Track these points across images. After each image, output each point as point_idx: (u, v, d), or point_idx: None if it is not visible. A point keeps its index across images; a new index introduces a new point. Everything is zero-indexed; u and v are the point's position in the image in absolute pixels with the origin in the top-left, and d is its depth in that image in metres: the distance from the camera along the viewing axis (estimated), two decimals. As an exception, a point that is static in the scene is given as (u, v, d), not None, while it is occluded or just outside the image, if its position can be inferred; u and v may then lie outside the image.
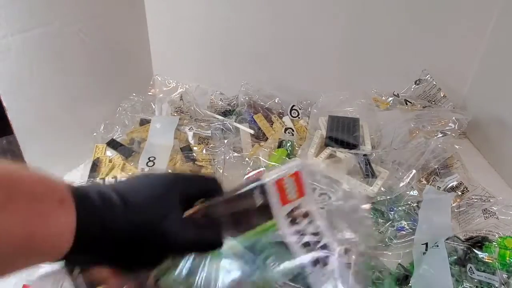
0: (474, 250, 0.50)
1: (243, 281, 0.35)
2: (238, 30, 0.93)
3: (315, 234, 0.35)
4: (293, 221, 0.35)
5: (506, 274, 0.48)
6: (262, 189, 0.32)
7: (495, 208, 0.58)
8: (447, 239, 0.51)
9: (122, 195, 0.30)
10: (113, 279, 0.31)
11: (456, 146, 0.70)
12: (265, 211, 0.33)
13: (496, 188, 0.64)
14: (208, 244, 0.32)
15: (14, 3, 0.56)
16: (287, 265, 0.35)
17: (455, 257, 0.50)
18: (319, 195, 0.39)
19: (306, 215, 0.35)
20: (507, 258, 0.49)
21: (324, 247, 0.34)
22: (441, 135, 0.73)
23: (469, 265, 0.49)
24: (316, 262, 0.34)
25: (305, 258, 0.34)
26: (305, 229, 0.35)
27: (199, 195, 0.33)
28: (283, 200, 0.33)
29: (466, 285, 0.47)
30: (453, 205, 0.61)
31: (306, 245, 0.34)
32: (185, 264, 0.35)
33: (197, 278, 0.35)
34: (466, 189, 0.64)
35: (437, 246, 0.50)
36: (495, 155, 0.79)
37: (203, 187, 0.34)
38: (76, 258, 0.28)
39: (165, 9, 0.93)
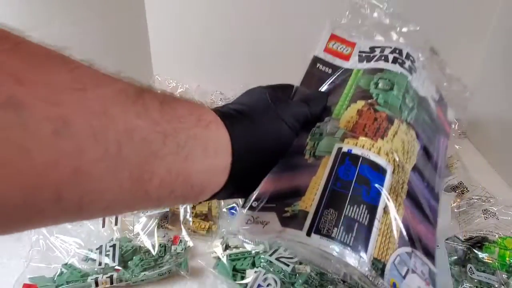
0: (474, 250, 0.50)
1: None
2: (238, 30, 0.93)
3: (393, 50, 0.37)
4: (368, 57, 0.37)
5: (506, 275, 0.48)
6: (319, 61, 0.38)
7: (495, 209, 0.58)
8: (447, 239, 0.51)
9: (242, 107, 0.28)
10: None
11: (456, 146, 0.70)
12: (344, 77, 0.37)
13: (496, 188, 0.64)
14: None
15: (14, 4, 0.56)
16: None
17: (455, 257, 0.50)
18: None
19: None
20: (507, 259, 0.49)
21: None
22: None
23: (469, 265, 0.49)
24: None
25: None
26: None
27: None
28: (345, 58, 0.37)
29: (466, 285, 0.47)
30: (453, 205, 0.61)
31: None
32: None
33: None
34: (466, 189, 0.64)
35: (437, 246, 0.50)
36: (495, 155, 0.79)
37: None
38: (228, 188, 0.26)
39: (165, 9, 0.93)
